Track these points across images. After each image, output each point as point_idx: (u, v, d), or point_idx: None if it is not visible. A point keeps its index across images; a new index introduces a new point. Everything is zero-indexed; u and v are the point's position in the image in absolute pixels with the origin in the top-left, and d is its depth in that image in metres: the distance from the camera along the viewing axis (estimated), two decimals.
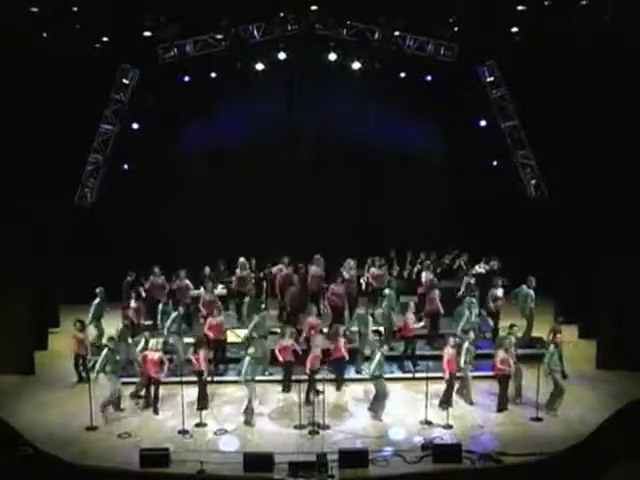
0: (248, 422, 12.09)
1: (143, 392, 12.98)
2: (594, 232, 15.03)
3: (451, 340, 12.60)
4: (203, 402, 12.54)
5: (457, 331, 13.91)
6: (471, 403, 12.83)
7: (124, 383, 13.30)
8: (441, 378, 12.62)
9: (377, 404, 12.39)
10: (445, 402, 12.40)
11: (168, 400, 12.98)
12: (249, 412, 12.19)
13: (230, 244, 18.37)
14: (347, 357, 13.42)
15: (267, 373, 13.93)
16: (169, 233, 19.16)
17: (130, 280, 16.50)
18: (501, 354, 12.41)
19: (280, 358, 13.30)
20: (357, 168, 19.85)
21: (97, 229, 18.67)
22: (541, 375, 12.21)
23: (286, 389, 13.44)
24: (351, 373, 14.06)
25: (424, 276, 16.17)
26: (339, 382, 13.63)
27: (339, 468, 10.46)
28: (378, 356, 12.26)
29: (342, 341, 13.30)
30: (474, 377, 13.18)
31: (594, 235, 15.05)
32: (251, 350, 12.47)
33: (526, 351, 14.39)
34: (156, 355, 12.57)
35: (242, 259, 16.63)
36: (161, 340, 13.24)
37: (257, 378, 12.75)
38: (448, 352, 12.47)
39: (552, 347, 12.56)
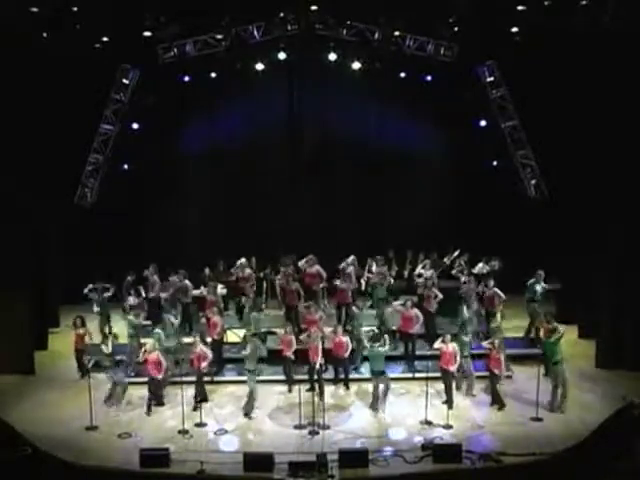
0: (247, 414, 12.37)
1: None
2: (594, 232, 15.03)
3: (448, 337, 12.64)
4: (199, 400, 12.62)
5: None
6: (472, 395, 13.00)
7: (131, 383, 13.35)
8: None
9: (377, 401, 12.52)
10: (449, 401, 12.47)
11: (168, 400, 13.00)
12: (249, 406, 12.46)
13: (230, 244, 18.38)
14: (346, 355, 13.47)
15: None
16: (169, 233, 19.17)
17: (130, 280, 16.52)
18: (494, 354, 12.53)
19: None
20: (357, 168, 19.84)
21: (97, 229, 18.66)
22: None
23: (289, 387, 13.54)
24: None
25: (424, 275, 16.16)
26: (346, 380, 13.67)
27: (339, 468, 10.47)
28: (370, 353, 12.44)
29: (344, 340, 13.29)
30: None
31: (594, 235, 15.04)
32: (245, 351, 12.78)
33: (526, 351, 14.42)
34: (154, 355, 12.58)
35: (243, 260, 16.61)
36: (158, 340, 13.20)
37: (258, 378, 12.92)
38: (446, 350, 12.50)
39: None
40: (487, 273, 16.53)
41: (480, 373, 13.36)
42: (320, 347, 12.89)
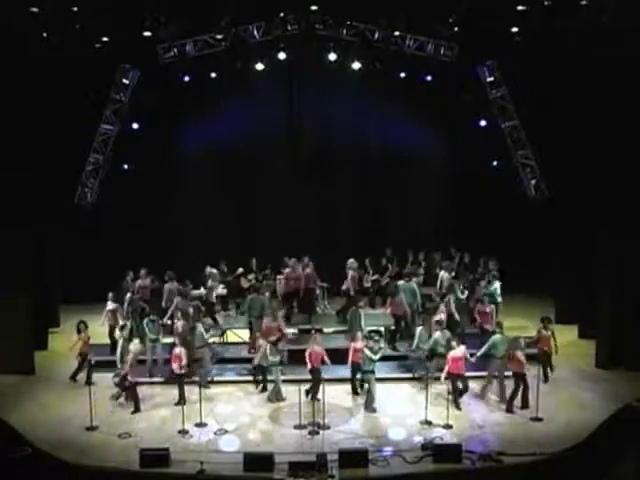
0: (272, 399, 12.96)
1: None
2: (594, 232, 15.03)
3: (454, 342, 12.63)
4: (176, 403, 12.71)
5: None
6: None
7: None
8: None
9: (370, 400, 12.54)
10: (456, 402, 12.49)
11: (168, 400, 13.01)
12: (274, 392, 12.94)
13: (230, 244, 18.40)
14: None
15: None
16: (169, 233, 19.18)
17: (129, 280, 16.50)
18: (517, 354, 12.45)
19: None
20: (357, 168, 19.86)
21: (97, 229, 18.67)
22: None
23: (262, 390, 13.48)
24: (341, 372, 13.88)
25: (444, 278, 15.91)
26: (354, 385, 13.40)
27: (339, 468, 10.45)
28: (366, 352, 12.44)
29: (361, 344, 13.05)
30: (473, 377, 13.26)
31: (594, 235, 15.04)
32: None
33: (526, 351, 14.39)
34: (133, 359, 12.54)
35: (211, 269, 16.34)
36: (139, 342, 13.16)
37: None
38: (456, 355, 12.47)
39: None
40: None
41: (481, 373, 13.40)
42: (321, 353, 12.78)
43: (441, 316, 13.92)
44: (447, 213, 19.55)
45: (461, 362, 12.44)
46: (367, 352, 12.49)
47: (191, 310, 14.59)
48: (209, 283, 15.99)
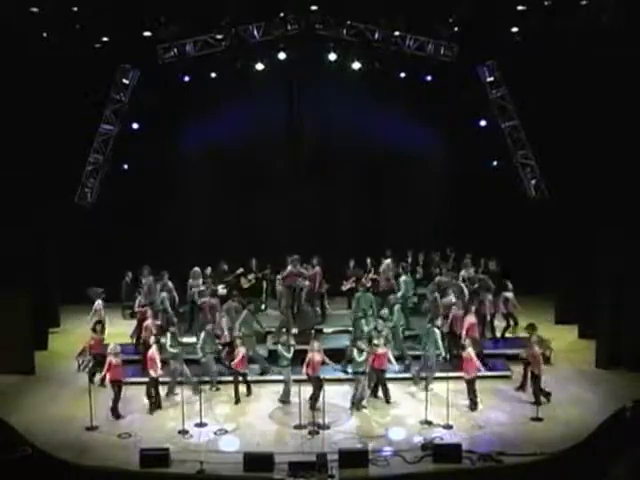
0: (284, 401, 12.86)
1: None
2: (594, 232, 15.03)
3: (467, 341, 12.63)
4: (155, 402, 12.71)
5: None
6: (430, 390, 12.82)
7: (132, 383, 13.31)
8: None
9: (357, 400, 12.60)
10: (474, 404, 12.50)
11: (168, 400, 13.03)
12: (285, 394, 12.87)
13: (230, 244, 18.40)
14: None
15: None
16: (169, 233, 19.16)
17: (128, 280, 16.45)
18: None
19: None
20: (357, 168, 19.84)
21: (97, 229, 18.67)
22: None
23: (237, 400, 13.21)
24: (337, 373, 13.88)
25: (466, 276, 15.88)
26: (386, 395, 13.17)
27: (339, 468, 10.46)
28: (355, 354, 12.44)
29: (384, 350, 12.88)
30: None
31: (594, 235, 15.04)
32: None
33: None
34: (115, 359, 12.44)
35: (196, 268, 16.27)
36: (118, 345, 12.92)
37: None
38: (466, 356, 12.47)
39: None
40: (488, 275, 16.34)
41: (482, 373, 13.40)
42: (320, 358, 12.62)
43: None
44: (447, 213, 19.53)
45: (472, 362, 12.42)
46: (354, 352, 12.49)
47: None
48: (190, 282, 15.89)
